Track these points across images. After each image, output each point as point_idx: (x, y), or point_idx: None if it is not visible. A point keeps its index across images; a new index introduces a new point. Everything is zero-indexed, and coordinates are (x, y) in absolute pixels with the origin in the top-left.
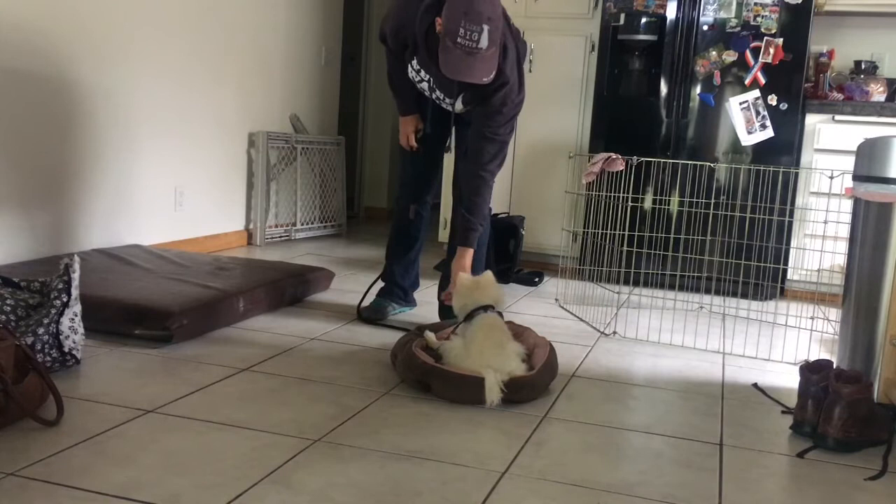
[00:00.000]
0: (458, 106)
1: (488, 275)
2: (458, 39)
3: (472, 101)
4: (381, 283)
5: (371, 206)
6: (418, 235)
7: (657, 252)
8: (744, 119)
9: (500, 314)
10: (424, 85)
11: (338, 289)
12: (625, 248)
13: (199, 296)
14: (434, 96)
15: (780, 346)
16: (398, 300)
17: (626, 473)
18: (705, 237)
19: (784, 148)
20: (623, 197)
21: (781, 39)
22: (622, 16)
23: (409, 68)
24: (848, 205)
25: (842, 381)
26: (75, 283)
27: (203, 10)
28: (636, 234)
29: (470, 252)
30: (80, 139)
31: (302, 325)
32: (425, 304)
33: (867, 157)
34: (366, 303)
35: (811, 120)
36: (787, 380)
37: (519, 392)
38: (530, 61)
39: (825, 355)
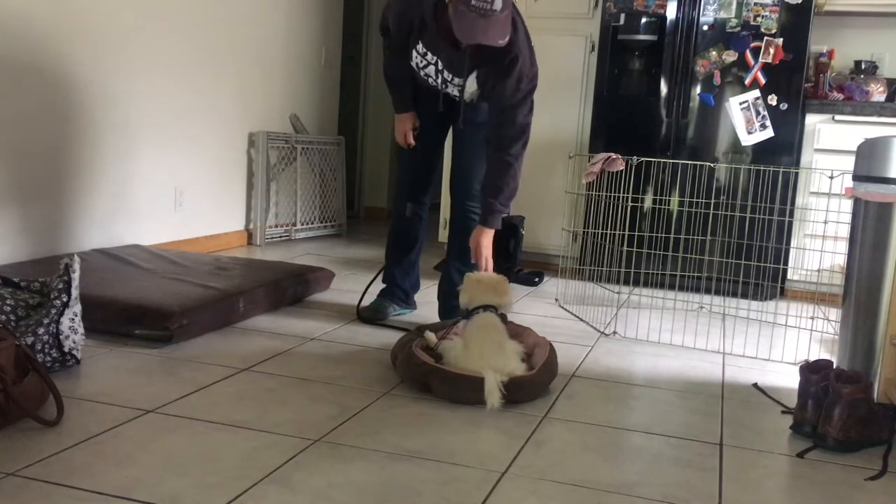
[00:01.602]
0: (471, 86)
1: (503, 278)
2: (473, 2)
3: (487, 77)
4: (379, 282)
5: (371, 206)
6: (417, 237)
7: (657, 252)
8: (744, 119)
9: (504, 317)
10: (431, 69)
11: (338, 289)
12: (625, 248)
13: (199, 296)
14: (441, 79)
15: (780, 346)
16: (399, 301)
17: (626, 473)
18: (705, 237)
19: (784, 148)
20: (623, 197)
21: (781, 39)
22: (622, 16)
23: (414, 53)
24: (848, 205)
25: (842, 381)
26: (75, 283)
27: (203, 11)
28: (636, 234)
29: (490, 232)
30: (80, 139)
31: (302, 325)
32: (425, 304)
33: (867, 157)
34: (366, 303)
35: (811, 120)
36: (787, 380)
37: (519, 392)
38: None
39: (825, 355)
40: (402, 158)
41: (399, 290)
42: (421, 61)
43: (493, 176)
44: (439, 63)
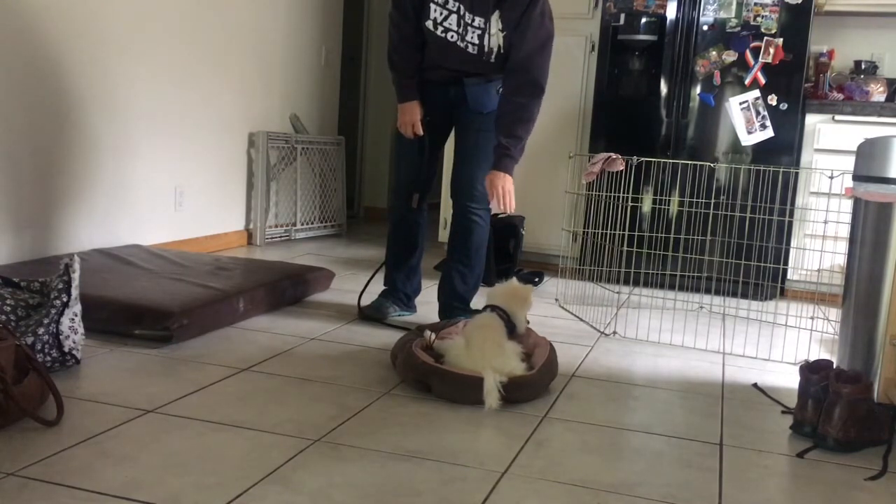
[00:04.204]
0: (495, 26)
1: (529, 288)
2: None
3: (511, 12)
4: (381, 275)
5: (371, 206)
6: (417, 242)
7: (657, 252)
8: (744, 119)
9: (508, 316)
10: (453, 19)
11: (338, 289)
12: (625, 248)
13: (199, 296)
14: (464, 25)
15: (780, 346)
16: (400, 304)
17: (626, 473)
18: (705, 237)
19: (784, 148)
20: (623, 197)
21: (781, 39)
22: (622, 16)
23: (433, 7)
24: (848, 205)
25: (842, 381)
26: (75, 283)
27: (203, 10)
28: (636, 234)
29: (507, 178)
30: (80, 139)
31: (302, 325)
32: (425, 305)
33: (867, 157)
34: (367, 301)
35: (811, 120)
36: (787, 380)
37: (519, 392)
38: None
39: (825, 355)
40: (402, 154)
41: (401, 293)
42: (441, 14)
43: (513, 122)
44: (461, 8)
